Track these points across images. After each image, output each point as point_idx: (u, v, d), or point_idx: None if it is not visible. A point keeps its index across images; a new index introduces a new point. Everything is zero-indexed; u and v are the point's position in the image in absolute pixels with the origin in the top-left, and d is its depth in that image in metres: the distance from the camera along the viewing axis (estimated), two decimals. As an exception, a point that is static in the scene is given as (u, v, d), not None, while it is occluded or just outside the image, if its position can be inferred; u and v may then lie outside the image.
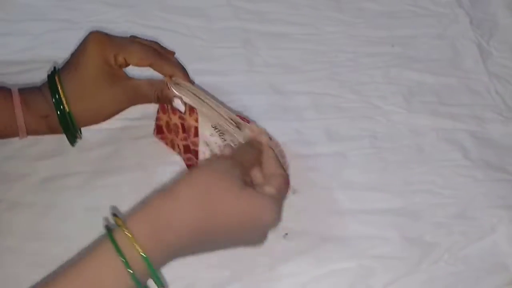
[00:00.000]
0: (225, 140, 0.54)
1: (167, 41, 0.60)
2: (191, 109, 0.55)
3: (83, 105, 0.55)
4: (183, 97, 0.55)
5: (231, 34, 0.73)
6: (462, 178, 0.62)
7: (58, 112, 0.54)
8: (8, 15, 0.71)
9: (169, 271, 0.47)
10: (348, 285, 0.55)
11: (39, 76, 0.64)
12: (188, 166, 0.58)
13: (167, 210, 0.42)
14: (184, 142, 0.57)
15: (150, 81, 0.56)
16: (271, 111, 0.66)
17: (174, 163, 0.59)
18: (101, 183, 0.58)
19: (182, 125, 0.56)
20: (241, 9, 0.75)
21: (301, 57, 0.71)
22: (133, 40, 0.57)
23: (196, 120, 0.55)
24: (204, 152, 0.55)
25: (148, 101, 0.57)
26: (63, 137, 0.60)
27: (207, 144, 0.55)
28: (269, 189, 0.47)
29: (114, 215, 0.43)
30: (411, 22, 0.77)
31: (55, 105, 0.53)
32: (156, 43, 0.58)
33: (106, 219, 0.52)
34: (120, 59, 0.54)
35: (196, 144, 0.55)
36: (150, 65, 0.55)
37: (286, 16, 0.75)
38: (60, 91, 0.53)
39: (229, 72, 0.69)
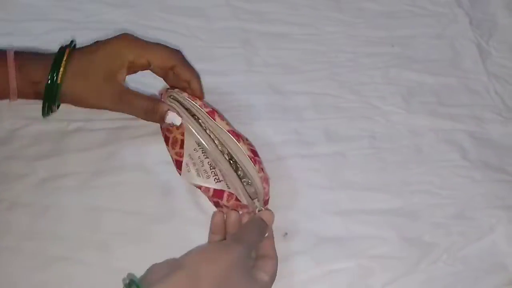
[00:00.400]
0: (206, 157, 0.55)
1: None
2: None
3: (76, 85, 0.56)
4: (171, 110, 0.56)
5: (231, 34, 0.73)
6: (461, 179, 0.62)
7: (49, 80, 0.55)
8: (9, 15, 0.71)
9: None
10: (347, 285, 0.55)
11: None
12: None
13: None
14: (171, 153, 0.58)
15: (145, 97, 0.58)
16: (271, 111, 0.66)
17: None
18: (100, 183, 0.58)
19: (167, 137, 0.57)
20: (240, 9, 0.75)
21: (300, 57, 0.71)
22: (159, 43, 0.58)
23: (182, 134, 0.56)
24: (187, 164, 0.56)
25: (135, 113, 0.59)
26: (62, 137, 0.60)
27: (191, 158, 0.55)
28: (264, 276, 0.49)
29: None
30: (410, 22, 0.77)
31: (51, 71, 0.55)
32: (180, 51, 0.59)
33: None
34: (143, 60, 0.57)
35: (180, 155, 0.56)
36: (173, 67, 0.57)
37: (286, 16, 0.75)
38: (64, 62, 0.55)
39: (229, 72, 0.69)
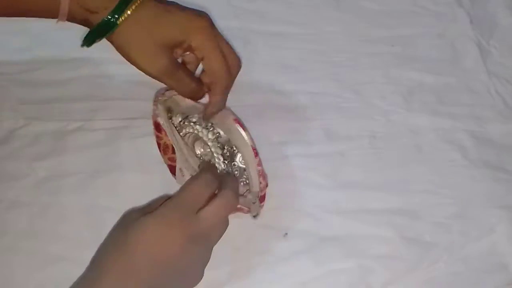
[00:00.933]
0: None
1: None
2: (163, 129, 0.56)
3: (134, 37, 0.51)
4: (159, 118, 0.56)
5: (231, 34, 0.72)
6: (461, 178, 0.62)
7: (109, 17, 0.49)
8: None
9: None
10: (348, 285, 0.55)
11: (40, 76, 0.64)
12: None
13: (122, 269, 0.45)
14: (164, 159, 0.58)
15: (195, 78, 0.55)
16: (270, 111, 0.66)
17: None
18: (100, 183, 0.58)
19: (159, 143, 0.57)
20: (241, 9, 0.75)
21: (300, 56, 0.71)
22: (220, 52, 0.54)
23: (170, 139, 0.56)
24: (181, 169, 0.56)
25: (180, 90, 0.55)
26: (62, 137, 0.60)
27: (182, 161, 0.56)
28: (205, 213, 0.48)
29: None
30: (410, 22, 0.77)
31: (115, 8, 0.49)
32: None
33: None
34: (197, 52, 0.53)
35: (173, 160, 0.56)
36: (208, 82, 0.54)
37: (286, 16, 0.75)
38: (135, 6, 0.49)
39: (229, 72, 0.69)
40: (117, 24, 0.49)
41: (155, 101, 0.57)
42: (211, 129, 0.56)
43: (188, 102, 0.56)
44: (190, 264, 0.48)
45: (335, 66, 0.71)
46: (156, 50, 0.51)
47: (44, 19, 0.70)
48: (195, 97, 0.55)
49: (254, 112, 0.64)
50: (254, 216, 0.54)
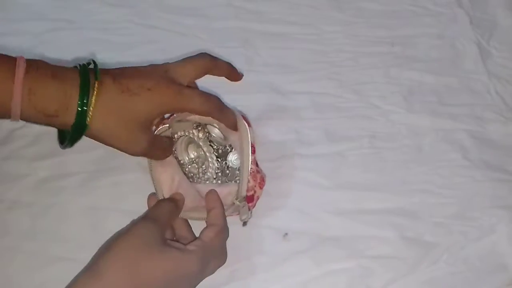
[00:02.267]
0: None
1: (167, 41, 0.61)
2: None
3: (106, 126, 0.47)
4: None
5: (231, 34, 0.73)
6: (462, 178, 0.62)
7: (74, 120, 0.45)
8: (8, 15, 0.71)
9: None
10: (347, 285, 0.55)
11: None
12: None
13: None
14: None
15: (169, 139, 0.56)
16: (270, 111, 0.66)
17: (173, 163, 0.59)
18: (100, 183, 0.58)
19: None
20: (241, 9, 0.75)
21: (300, 56, 0.71)
22: (196, 89, 0.54)
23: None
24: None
25: (164, 157, 0.55)
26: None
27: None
28: (191, 246, 0.48)
29: None
30: (410, 22, 0.77)
31: (78, 111, 0.45)
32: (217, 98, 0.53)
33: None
34: (179, 110, 0.52)
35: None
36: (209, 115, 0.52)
37: (286, 16, 0.75)
38: (93, 99, 0.45)
39: (229, 72, 0.69)
40: (87, 125, 0.46)
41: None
42: (199, 128, 0.56)
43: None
44: (172, 274, 0.46)
45: (335, 66, 0.71)
46: (129, 136, 0.49)
47: (43, 20, 0.71)
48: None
49: (254, 112, 0.64)
50: (244, 223, 0.54)
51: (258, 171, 0.54)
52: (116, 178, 0.58)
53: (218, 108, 0.52)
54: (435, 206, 0.60)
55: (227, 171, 0.56)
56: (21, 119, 0.45)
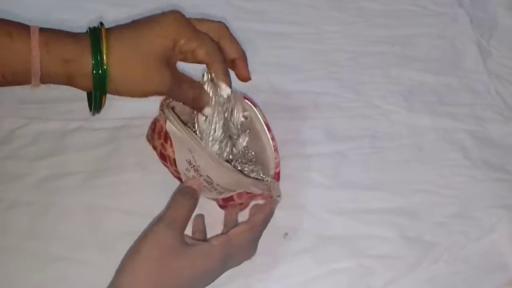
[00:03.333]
0: (201, 176, 0.52)
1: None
2: (169, 139, 0.52)
3: (125, 68, 0.47)
4: (167, 122, 0.52)
5: (231, 34, 0.73)
6: (462, 178, 0.62)
7: (93, 61, 0.45)
8: (8, 14, 0.71)
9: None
10: (348, 285, 0.55)
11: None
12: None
13: None
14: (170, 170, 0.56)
15: (195, 84, 0.52)
16: (271, 111, 0.65)
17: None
18: (100, 182, 0.58)
19: (163, 154, 0.54)
20: (241, 8, 0.75)
21: (300, 56, 0.71)
22: (205, 33, 0.52)
23: (173, 152, 0.53)
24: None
25: (184, 100, 0.52)
26: (62, 137, 0.60)
27: (187, 176, 0.53)
28: (215, 242, 0.49)
29: None
30: (411, 22, 0.77)
31: (94, 63, 0.45)
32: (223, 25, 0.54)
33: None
34: (187, 47, 0.50)
35: (179, 173, 0.54)
36: (209, 63, 0.52)
37: (286, 15, 0.75)
38: (104, 39, 0.46)
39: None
40: (105, 64, 0.46)
41: (164, 112, 0.53)
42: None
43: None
44: (195, 271, 0.47)
45: (335, 65, 0.71)
46: (149, 73, 0.48)
47: (43, 19, 0.70)
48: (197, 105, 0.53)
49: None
50: (278, 196, 0.53)
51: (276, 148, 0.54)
52: (116, 177, 0.58)
53: (222, 60, 0.52)
54: (435, 206, 0.60)
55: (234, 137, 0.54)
56: (42, 75, 0.45)
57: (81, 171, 0.58)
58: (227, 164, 0.51)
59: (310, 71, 0.70)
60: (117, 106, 0.63)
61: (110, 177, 0.58)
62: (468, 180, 0.62)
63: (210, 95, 0.52)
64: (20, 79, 0.46)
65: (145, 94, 0.49)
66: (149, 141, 0.56)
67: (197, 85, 0.52)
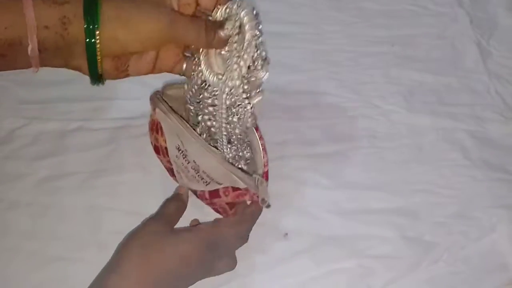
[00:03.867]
0: (188, 162, 0.52)
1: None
2: (160, 128, 0.53)
3: (117, 13, 0.43)
4: (156, 110, 0.52)
5: (231, 34, 0.73)
6: (462, 178, 0.62)
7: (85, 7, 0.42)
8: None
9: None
10: (348, 285, 0.55)
11: (40, 76, 0.64)
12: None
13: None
14: (163, 162, 0.57)
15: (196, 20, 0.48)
16: (271, 111, 0.65)
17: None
18: (100, 182, 0.58)
19: (156, 146, 0.55)
20: (241, 9, 0.75)
21: (301, 56, 0.71)
22: None
23: (165, 141, 0.53)
24: (178, 171, 0.54)
25: (187, 41, 0.48)
26: (62, 137, 0.60)
27: (177, 164, 0.53)
28: (201, 226, 0.52)
29: None
30: (411, 22, 0.77)
31: (86, 30, 0.42)
32: None
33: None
34: None
35: (170, 163, 0.55)
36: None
37: (286, 15, 0.75)
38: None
39: (229, 72, 0.69)
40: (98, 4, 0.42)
41: (154, 100, 0.53)
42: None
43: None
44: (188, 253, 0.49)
45: (335, 65, 0.71)
46: (143, 16, 0.44)
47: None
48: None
49: (254, 112, 0.64)
50: (264, 202, 0.51)
51: (265, 147, 0.54)
52: (115, 178, 0.58)
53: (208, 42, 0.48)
54: (435, 206, 0.60)
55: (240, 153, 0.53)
56: (38, 28, 0.41)
57: (81, 171, 0.58)
58: (213, 148, 0.51)
59: (310, 71, 0.70)
60: (117, 106, 0.63)
61: (109, 177, 0.58)
62: (468, 180, 0.62)
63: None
64: (18, 49, 0.42)
65: (144, 37, 0.44)
66: (151, 143, 0.57)
67: (199, 19, 0.48)
